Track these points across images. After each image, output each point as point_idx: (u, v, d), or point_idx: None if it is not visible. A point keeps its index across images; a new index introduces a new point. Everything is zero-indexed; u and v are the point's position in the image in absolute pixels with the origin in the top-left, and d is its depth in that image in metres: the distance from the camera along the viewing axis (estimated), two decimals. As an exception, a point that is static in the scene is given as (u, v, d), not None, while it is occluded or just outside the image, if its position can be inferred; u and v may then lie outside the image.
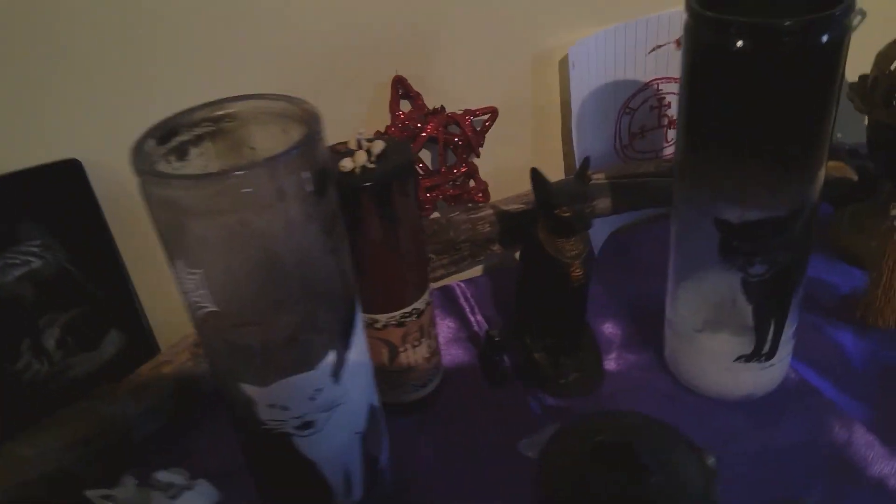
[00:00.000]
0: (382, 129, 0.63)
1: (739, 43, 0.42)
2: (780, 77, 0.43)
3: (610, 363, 0.63)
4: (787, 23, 0.41)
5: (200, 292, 0.38)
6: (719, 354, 0.55)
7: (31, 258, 0.59)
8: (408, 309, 0.55)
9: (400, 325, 0.56)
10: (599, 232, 0.73)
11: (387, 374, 0.58)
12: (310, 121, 0.38)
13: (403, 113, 0.63)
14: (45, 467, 0.52)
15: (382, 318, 0.55)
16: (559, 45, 0.67)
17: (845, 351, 0.61)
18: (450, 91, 0.65)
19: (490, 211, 0.67)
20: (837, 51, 0.43)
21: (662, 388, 0.60)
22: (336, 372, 0.43)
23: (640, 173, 0.67)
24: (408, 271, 0.54)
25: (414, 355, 0.58)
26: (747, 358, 0.55)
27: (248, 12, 0.58)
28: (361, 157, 0.48)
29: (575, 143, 0.69)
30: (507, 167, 0.69)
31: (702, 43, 0.45)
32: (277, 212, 0.36)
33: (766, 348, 0.54)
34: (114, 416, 0.57)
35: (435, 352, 0.60)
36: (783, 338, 0.54)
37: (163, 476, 0.43)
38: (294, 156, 0.35)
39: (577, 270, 0.55)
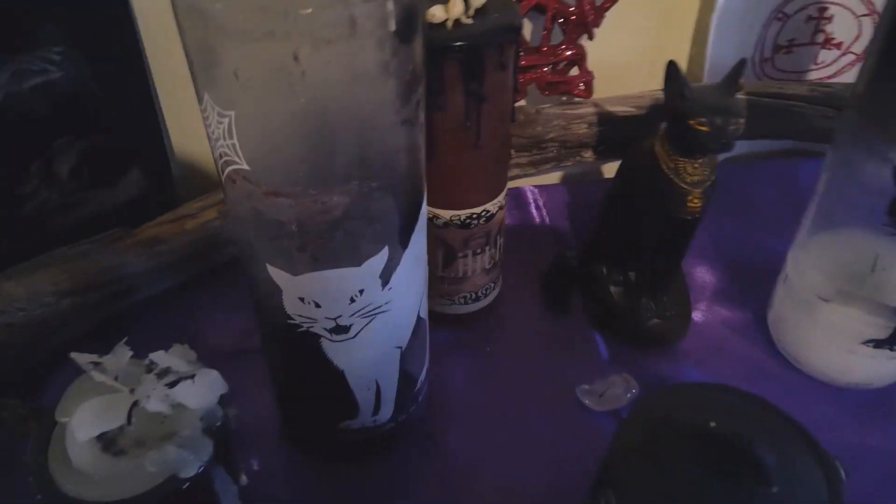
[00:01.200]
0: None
1: None
2: None
3: (697, 314, 0.53)
4: None
5: (230, 142, 0.29)
6: (845, 333, 0.45)
7: (49, 66, 0.50)
8: (477, 210, 0.46)
9: (464, 226, 0.46)
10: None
11: (436, 280, 0.49)
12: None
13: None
14: (33, 311, 0.45)
15: (446, 214, 0.45)
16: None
17: None
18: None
19: (591, 109, 0.55)
20: None
21: (756, 357, 0.50)
22: (385, 274, 0.34)
23: (789, 94, 0.54)
24: (485, 165, 0.44)
25: (472, 263, 0.49)
26: (878, 343, 0.45)
27: None
28: (458, 6, 0.37)
29: (710, 46, 0.56)
30: (620, 61, 0.57)
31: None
32: (344, 50, 0.26)
33: (906, 337, 0.44)
34: (120, 267, 0.50)
35: (496, 263, 0.51)
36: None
37: (160, 358, 0.36)
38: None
39: (695, 200, 0.44)
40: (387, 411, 0.42)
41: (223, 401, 0.38)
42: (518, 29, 0.40)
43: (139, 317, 0.51)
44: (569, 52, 0.54)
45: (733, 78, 0.41)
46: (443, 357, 0.49)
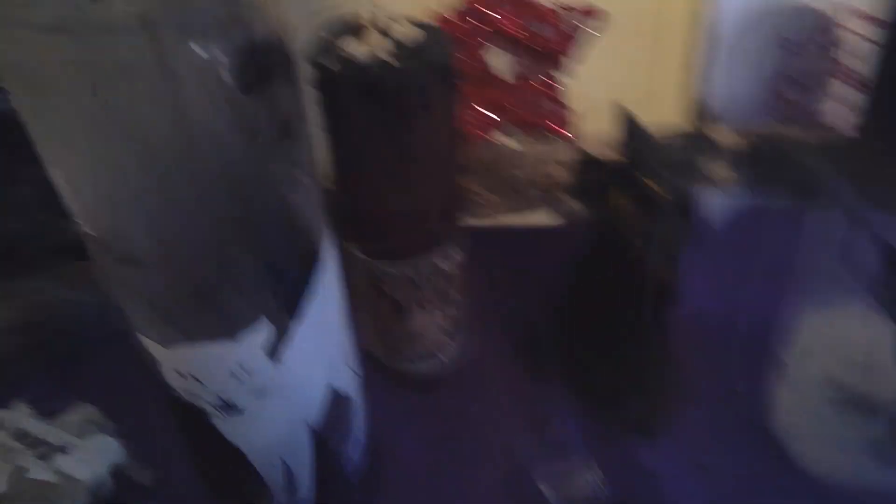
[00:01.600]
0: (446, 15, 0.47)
1: None
2: None
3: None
4: None
5: (71, 203, 0.25)
6: (845, 438, 0.39)
7: None
8: (423, 261, 0.41)
9: (410, 281, 0.42)
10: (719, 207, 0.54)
11: (387, 337, 0.45)
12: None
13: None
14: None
15: (388, 268, 0.41)
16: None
17: None
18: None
19: (569, 149, 0.50)
20: None
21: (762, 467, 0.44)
22: (273, 349, 0.30)
23: (790, 140, 0.48)
24: (423, 214, 0.39)
25: (424, 320, 0.44)
26: (882, 449, 0.38)
27: None
28: (374, 39, 0.33)
29: (705, 75, 0.50)
30: (607, 95, 0.52)
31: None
32: (165, 100, 0.22)
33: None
34: (66, 303, 0.48)
35: (456, 320, 0.46)
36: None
37: (34, 427, 0.32)
38: (195, 15, 0.20)
39: (657, 267, 0.38)
40: (306, 491, 0.37)
41: (120, 469, 0.34)
42: (447, 71, 0.35)
43: (93, 357, 0.48)
44: (543, 87, 0.49)
45: (705, 126, 0.35)
46: (395, 420, 0.44)
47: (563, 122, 0.50)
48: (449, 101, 0.36)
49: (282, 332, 0.30)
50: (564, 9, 0.46)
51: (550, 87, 0.49)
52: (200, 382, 0.30)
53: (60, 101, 0.22)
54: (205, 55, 0.21)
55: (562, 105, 0.50)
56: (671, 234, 0.37)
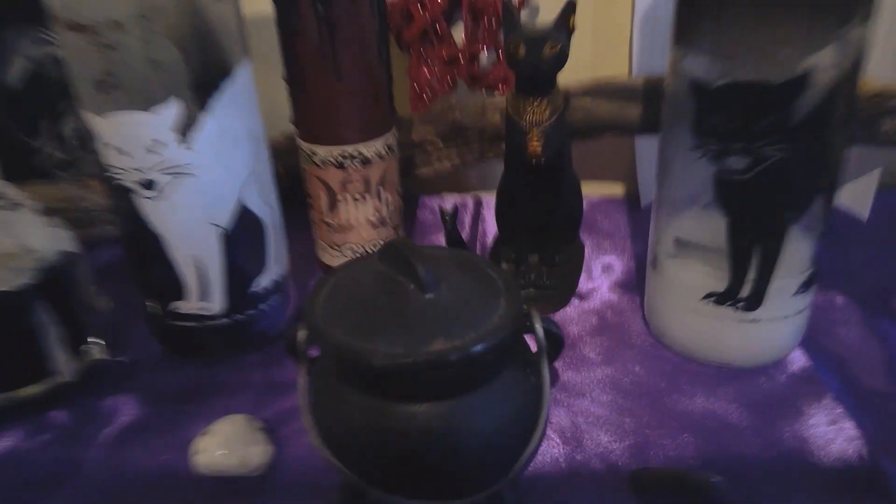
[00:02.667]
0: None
1: None
2: None
3: (587, 293, 0.52)
4: None
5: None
6: (687, 289, 0.43)
7: (65, 40, 0.63)
8: (349, 148, 0.50)
9: (339, 166, 0.50)
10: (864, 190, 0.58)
11: (323, 227, 0.53)
12: None
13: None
14: None
15: (321, 150, 0.50)
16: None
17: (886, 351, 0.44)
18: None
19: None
20: None
21: (631, 334, 0.48)
22: (183, 130, 0.39)
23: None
24: (352, 100, 0.49)
25: (356, 212, 0.52)
26: (719, 298, 0.41)
27: None
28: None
29: (635, 51, 0.58)
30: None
31: None
32: None
33: (747, 290, 0.41)
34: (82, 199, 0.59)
35: (384, 220, 0.54)
36: (777, 283, 0.40)
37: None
38: None
39: (534, 141, 0.45)
40: (216, 300, 0.45)
41: (67, 257, 0.43)
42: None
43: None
44: (485, 46, 0.59)
45: (564, 15, 0.43)
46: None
47: (506, 81, 0.59)
48: (376, 5, 0.46)
49: (191, 119, 0.39)
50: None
51: (489, 46, 0.59)
52: (123, 154, 0.39)
53: None
54: None
55: (502, 65, 0.59)
56: (549, 112, 0.44)
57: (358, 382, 0.31)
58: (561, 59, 0.43)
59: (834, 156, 0.38)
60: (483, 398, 0.31)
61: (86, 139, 0.64)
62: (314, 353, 0.34)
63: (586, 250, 0.56)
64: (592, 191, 0.65)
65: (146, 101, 0.38)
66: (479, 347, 0.29)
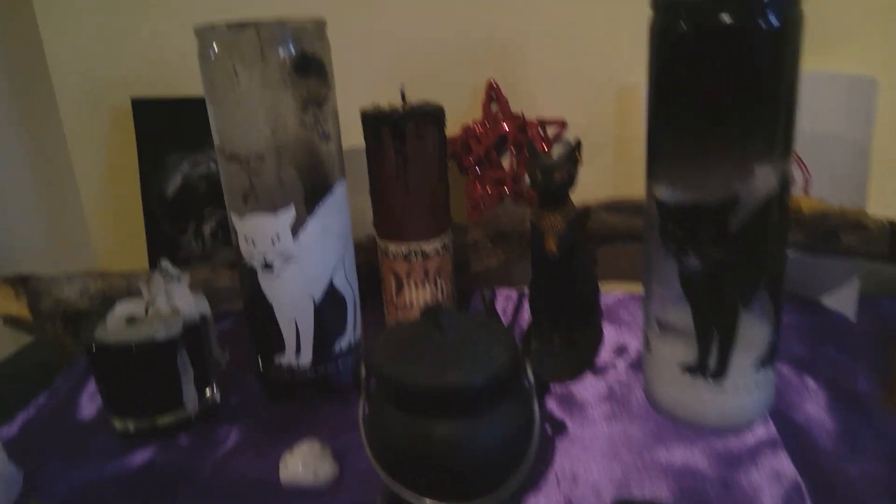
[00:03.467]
0: (470, 123, 0.75)
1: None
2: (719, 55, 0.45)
3: (606, 373, 0.64)
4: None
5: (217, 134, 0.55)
6: (669, 363, 0.54)
7: (211, 163, 0.84)
8: (413, 245, 0.65)
9: (405, 258, 0.66)
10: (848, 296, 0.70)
11: (392, 307, 0.68)
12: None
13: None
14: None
15: (392, 246, 0.66)
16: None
17: (847, 427, 0.53)
18: (537, 105, 0.75)
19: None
20: (783, 39, 0.45)
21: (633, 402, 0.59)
22: (295, 229, 0.56)
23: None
24: (417, 209, 0.64)
25: (417, 295, 0.67)
26: (692, 370, 0.52)
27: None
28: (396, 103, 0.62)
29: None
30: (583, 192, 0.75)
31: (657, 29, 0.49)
32: (258, 69, 0.51)
33: (712, 364, 0.52)
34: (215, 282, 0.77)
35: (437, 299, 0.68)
36: (737, 359, 0.51)
37: (164, 263, 0.60)
38: (279, 29, 0.51)
39: (551, 242, 0.59)
40: (306, 355, 0.60)
41: (203, 319, 0.60)
42: (434, 115, 0.62)
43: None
44: (521, 172, 0.74)
45: (572, 151, 0.58)
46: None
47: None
48: (436, 137, 0.62)
49: (301, 220, 0.56)
50: (542, 121, 0.73)
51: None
52: (254, 244, 0.56)
53: (206, 69, 0.52)
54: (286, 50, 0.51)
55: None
56: (563, 221, 0.58)
57: (397, 402, 0.44)
58: (568, 182, 0.58)
59: (772, 258, 0.49)
60: (487, 419, 0.43)
61: (220, 237, 0.84)
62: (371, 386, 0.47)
63: (606, 335, 0.68)
64: (617, 288, 0.78)
65: (273, 207, 0.55)
66: (478, 379, 0.42)
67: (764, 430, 0.53)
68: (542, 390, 0.46)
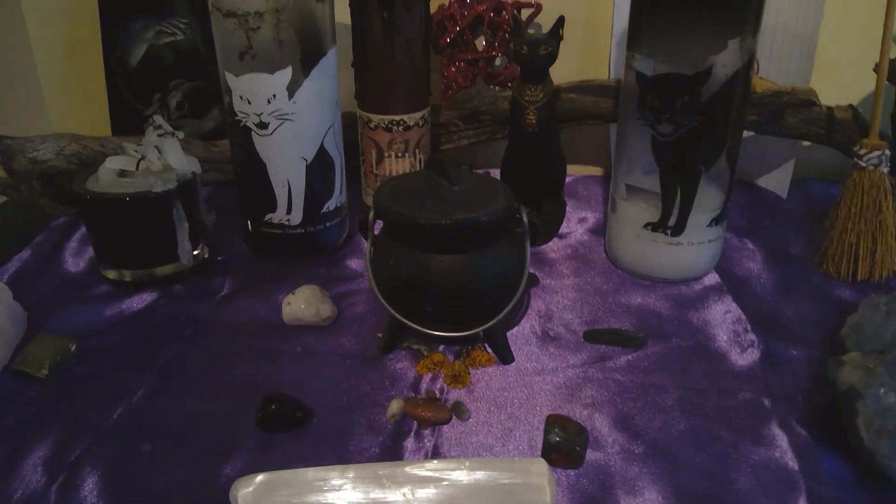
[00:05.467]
0: (446, 3, 0.77)
1: None
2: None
3: (569, 238, 0.70)
4: None
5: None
6: (632, 222, 0.60)
7: (177, 31, 0.82)
8: (396, 118, 0.68)
9: (387, 129, 0.68)
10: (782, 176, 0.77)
11: (371, 177, 0.71)
12: None
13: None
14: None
15: (375, 118, 0.68)
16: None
17: (782, 279, 0.62)
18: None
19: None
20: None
21: (595, 261, 0.66)
22: (291, 90, 0.57)
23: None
24: (400, 82, 0.67)
25: (397, 166, 0.70)
26: (654, 226, 0.59)
27: None
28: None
29: (612, 60, 0.77)
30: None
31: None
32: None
33: (673, 220, 0.58)
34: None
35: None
36: (694, 217, 0.58)
37: (158, 119, 0.61)
38: None
39: (531, 115, 0.63)
40: (297, 214, 0.63)
41: (195, 176, 0.61)
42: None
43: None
44: (498, 52, 0.77)
45: (555, 28, 0.62)
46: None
47: (512, 79, 0.77)
48: (422, 13, 0.65)
49: (297, 81, 0.57)
50: (517, 3, 0.75)
51: (503, 53, 0.77)
52: (249, 103, 0.58)
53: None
54: None
55: (514, 67, 0.78)
56: (543, 95, 0.62)
57: (407, 240, 0.49)
58: (552, 57, 0.62)
59: (732, 126, 0.56)
60: (486, 255, 0.49)
61: (186, 110, 0.84)
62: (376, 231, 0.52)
63: (567, 208, 0.74)
64: (578, 170, 0.83)
65: (271, 67, 0.56)
66: (483, 217, 0.47)
67: (712, 279, 0.61)
68: (534, 235, 0.51)
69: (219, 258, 0.66)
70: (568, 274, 0.63)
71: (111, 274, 0.61)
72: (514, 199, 0.50)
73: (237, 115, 0.59)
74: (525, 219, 0.51)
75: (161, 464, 0.42)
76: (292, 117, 0.59)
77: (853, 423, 0.41)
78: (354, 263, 0.65)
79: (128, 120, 0.83)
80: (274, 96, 0.58)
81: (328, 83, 0.60)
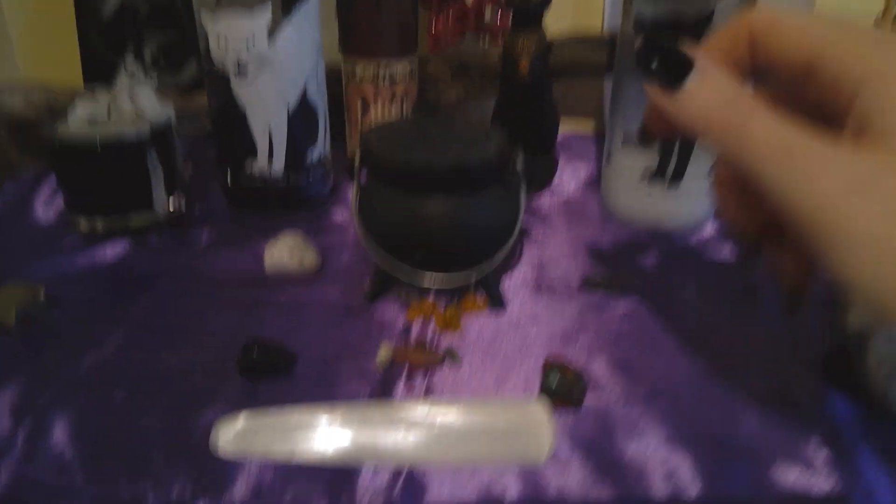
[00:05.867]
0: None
1: None
2: None
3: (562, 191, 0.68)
4: None
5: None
6: (630, 172, 0.58)
7: (153, -19, 0.79)
8: (382, 68, 0.65)
9: (373, 80, 0.66)
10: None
11: (357, 129, 0.68)
12: None
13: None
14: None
15: (359, 68, 0.65)
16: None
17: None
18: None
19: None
20: None
21: (589, 208, 0.64)
22: (271, 32, 0.54)
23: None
24: (388, 27, 0.64)
25: (383, 117, 0.68)
26: (652, 175, 0.57)
27: None
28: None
29: (606, 11, 0.75)
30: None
31: None
32: None
33: (671, 169, 0.56)
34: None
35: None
36: (692, 167, 0.56)
37: (130, 63, 0.58)
38: None
39: (524, 66, 0.61)
40: (279, 163, 0.60)
41: (169, 123, 0.58)
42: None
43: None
44: (489, 3, 0.75)
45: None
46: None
47: (501, 33, 0.75)
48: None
49: (277, 24, 0.54)
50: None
51: (492, 5, 0.75)
52: (227, 44, 0.55)
53: None
54: None
55: (503, 21, 0.75)
56: (535, 46, 0.60)
57: (397, 184, 0.46)
58: (545, 4, 0.59)
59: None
60: (478, 200, 0.46)
61: (162, 64, 0.80)
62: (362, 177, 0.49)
63: (560, 162, 0.71)
64: (571, 126, 0.81)
65: (250, 8, 0.53)
66: (477, 157, 0.44)
67: (711, 229, 0.59)
68: (530, 177, 0.49)
69: (196, 212, 0.63)
70: (562, 226, 0.61)
71: (83, 223, 0.58)
72: (509, 145, 0.48)
73: (214, 63, 0.56)
74: (520, 163, 0.48)
75: (136, 411, 0.40)
76: (273, 62, 0.56)
77: (863, 365, 0.40)
78: (339, 217, 0.63)
79: (101, 71, 0.80)
80: (253, 38, 0.55)
81: (310, 27, 0.57)
